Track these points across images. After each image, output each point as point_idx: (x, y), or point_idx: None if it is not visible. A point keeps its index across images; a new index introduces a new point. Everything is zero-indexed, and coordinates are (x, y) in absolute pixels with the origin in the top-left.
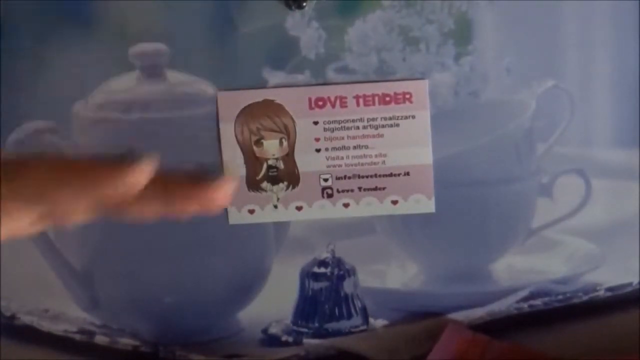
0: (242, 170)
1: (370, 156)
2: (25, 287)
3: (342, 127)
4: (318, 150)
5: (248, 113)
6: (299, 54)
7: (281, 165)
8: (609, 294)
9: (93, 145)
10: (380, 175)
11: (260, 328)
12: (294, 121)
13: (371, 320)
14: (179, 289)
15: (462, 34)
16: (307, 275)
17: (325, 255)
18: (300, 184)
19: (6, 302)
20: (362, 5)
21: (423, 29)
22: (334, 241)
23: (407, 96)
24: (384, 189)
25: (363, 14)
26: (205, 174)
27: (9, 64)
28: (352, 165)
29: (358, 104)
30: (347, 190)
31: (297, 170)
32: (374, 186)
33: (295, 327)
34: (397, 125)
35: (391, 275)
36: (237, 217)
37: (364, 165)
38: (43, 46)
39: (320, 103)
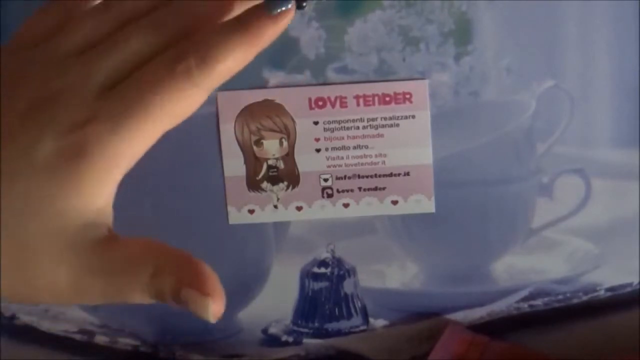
0: (242, 170)
1: (370, 156)
2: None
3: (342, 127)
4: (318, 150)
5: (248, 113)
6: (299, 54)
7: (281, 165)
8: (609, 294)
9: None
10: (380, 175)
11: (260, 328)
12: (294, 121)
13: (371, 320)
14: None
15: (462, 34)
16: (307, 275)
17: (325, 255)
18: (300, 184)
19: (6, 302)
20: (362, 5)
21: (423, 29)
22: (334, 241)
23: (407, 96)
24: (384, 189)
25: (363, 14)
26: None
27: None
28: (352, 165)
29: (358, 104)
30: (347, 190)
31: (297, 170)
32: (374, 186)
33: (295, 327)
34: (397, 125)
35: (391, 275)
36: (237, 217)
37: (364, 165)
38: None
39: (320, 103)
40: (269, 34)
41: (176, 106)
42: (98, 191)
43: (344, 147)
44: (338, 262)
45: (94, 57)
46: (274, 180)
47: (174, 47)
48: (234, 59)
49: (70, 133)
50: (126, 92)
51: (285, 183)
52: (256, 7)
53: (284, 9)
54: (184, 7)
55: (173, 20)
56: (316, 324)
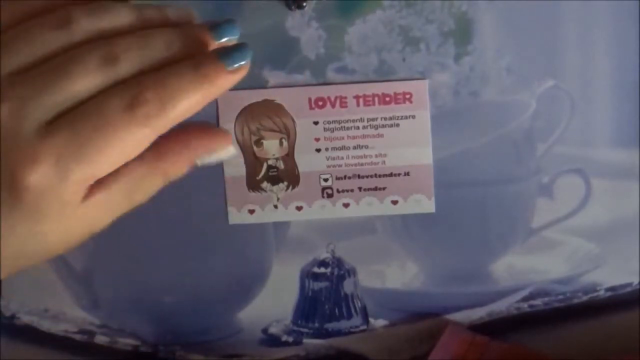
0: (242, 170)
1: (370, 156)
2: (25, 287)
3: (342, 127)
4: (318, 150)
5: (248, 113)
6: (299, 54)
7: (281, 165)
8: (609, 294)
9: None
10: (380, 175)
11: (260, 328)
12: (294, 121)
13: (371, 320)
14: (179, 289)
15: (462, 34)
16: (307, 275)
17: (325, 255)
18: (300, 184)
19: (6, 302)
20: (362, 5)
21: (423, 29)
22: (334, 241)
23: (407, 96)
24: (384, 189)
25: (363, 14)
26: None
27: None
28: (352, 165)
29: (358, 104)
30: (347, 190)
31: (297, 170)
32: (374, 186)
33: (295, 327)
34: (397, 125)
35: (391, 275)
36: (237, 217)
37: (364, 165)
38: None
39: (320, 103)
40: (225, 85)
41: (128, 147)
42: (52, 225)
43: (344, 147)
44: (338, 262)
45: (37, 85)
46: (274, 180)
47: (130, 83)
48: (190, 106)
49: (14, 181)
50: (75, 130)
51: (285, 183)
52: (215, 57)
53: (242, 63)
54: (148, 43)
55: (134, 56)
56: (316, 324)
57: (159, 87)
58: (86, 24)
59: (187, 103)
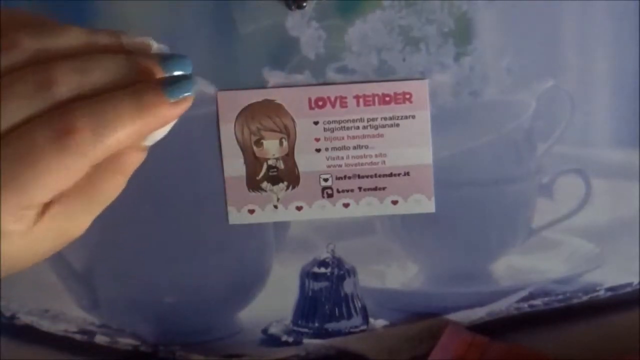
0: (242, 170)
1: (370, 156)
2: (25, 287)
3: (342, 127)
4: (318, 150)
5: (248, 113)
6: (299, 54)
7: (281, 165)
8: (609, 294)
9: None
10: (380, 175)
11: (260, 328)
12: (294, 121)
13: (371, 320)
14: (179, 289)
15: (462, 34)
16: (307, 275)
17: (325, 255)
18: (300, 184)
19: (6, 302)
20: (362, 5)
21: (423, 29)
22: (334, 241)
23: (407, 96)
24: (384, 189)
25: (363, 14)
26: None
27: None
28: (352, 165)
29: (358, 104)
30: (347, 190)
31: (297, 170)
32: (374, 186)
33: (295, 327)
34: (397, 125)
35: (391, 275)
36: (237, 217)
37: (364, 165)
38: None
39: (320, 103)
40: (167, 117)
41: (63, 176)
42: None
43: (344, 147)
44: (338, 262)
45: None
46: (274, 180)
47: (62, 110)
48: (127, 136)
49: None
50: (3, 159)
51: (285, 183)
52: (157, 86)
53: (185, 95)
54: (89, 67)
55: (72, 81)
56: (316, 324)
57: (93, 115)
58: (29, 45)
59: (124, 133)
